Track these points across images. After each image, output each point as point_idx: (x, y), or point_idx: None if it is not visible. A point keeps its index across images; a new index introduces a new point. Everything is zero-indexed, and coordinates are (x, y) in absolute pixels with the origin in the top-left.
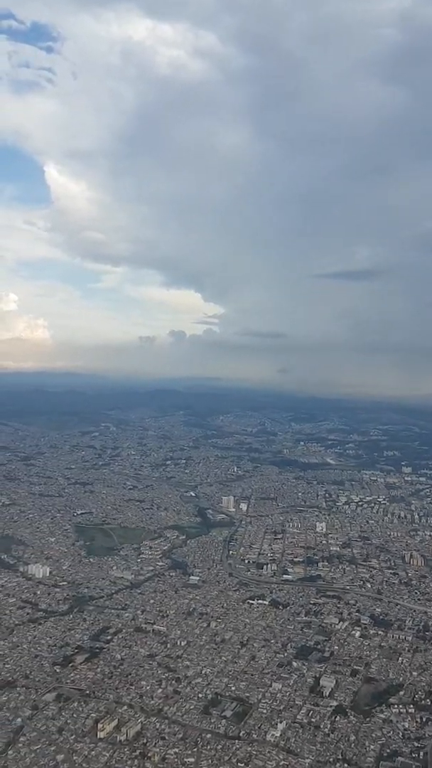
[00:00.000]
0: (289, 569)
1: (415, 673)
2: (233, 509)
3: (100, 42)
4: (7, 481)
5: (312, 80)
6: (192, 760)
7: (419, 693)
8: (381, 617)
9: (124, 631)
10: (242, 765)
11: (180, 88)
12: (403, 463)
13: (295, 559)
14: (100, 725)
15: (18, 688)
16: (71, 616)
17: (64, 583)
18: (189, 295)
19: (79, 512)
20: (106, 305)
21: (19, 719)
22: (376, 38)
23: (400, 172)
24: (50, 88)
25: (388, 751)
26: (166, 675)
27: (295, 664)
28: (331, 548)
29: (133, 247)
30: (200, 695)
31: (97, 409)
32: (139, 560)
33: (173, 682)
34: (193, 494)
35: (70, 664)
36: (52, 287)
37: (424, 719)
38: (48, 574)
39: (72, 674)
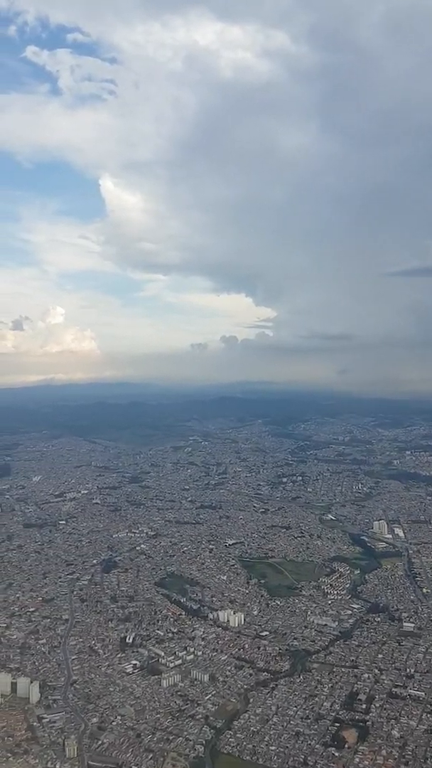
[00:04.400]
0: None
1: None
2: (389, 535)
3: (164, 49)
4: (133, 506)
5: (385, 73)
6: None
7: None
8: None
9: (377, 697)
10: None
11: (243, 90)
12: None
13: None
14: None
15: None
16: (300, 677)
17: (266, 633)
18: (239, 300)
19: (230, 542)
20: (153, 314)
21: None
22: None
23: None
24: (111, 99)
25: None
26: None
27: None
28: None
29: (184, 254)
30: None
31: (174, 422)
32: (329, 602)
33: None
34: (333, 517)
35: (346, 746)
36: (96, 298)
37: None
38: (243, 622)
39: (357, 760)
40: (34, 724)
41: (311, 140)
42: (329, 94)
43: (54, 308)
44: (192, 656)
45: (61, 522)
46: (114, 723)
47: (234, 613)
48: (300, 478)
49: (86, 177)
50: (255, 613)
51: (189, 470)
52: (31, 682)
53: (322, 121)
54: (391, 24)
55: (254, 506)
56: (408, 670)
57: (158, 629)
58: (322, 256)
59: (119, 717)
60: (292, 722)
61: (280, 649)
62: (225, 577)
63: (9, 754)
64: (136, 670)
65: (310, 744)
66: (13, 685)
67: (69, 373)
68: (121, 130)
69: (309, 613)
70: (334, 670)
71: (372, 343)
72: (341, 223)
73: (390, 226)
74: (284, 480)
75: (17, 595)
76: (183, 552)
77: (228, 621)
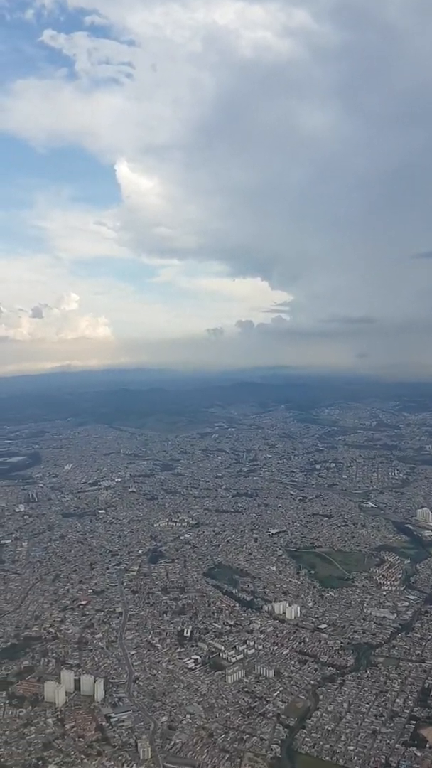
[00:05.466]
0: None
1: None
2: None
3: (183, 30)
4: (169, 495)
5: (410, 52)
6: None
7: None
8: None
9: None
10: None
11: (263, 70)
12: None
13: None
14: None
15: None
16: (367, 672)
17: (324, 626)
18: (255, 284)
19: (273, 532)
20: (167, 299)
21: None
22: None
23: None
24: (129, 83)
25: None
26: None
27: None
28: None
29: (200, 239)
30: None
31: (197, 408)
32: (384, 593)
33: None
34: (373, 505)
35: (427, 745)
36: (110, 285)
37: None
38: (299, 614)
39: None
40: (103, 723)
41: (332, 121)
42: (352, 73)
43: (68, 295)
44: (253, 650)
45: (100, 511)
46: (184, 722)
47: (289, 605)
48: (333, 464)
49: (101, 162)
50: (310, 605)
51: (219, 457)
52: (96, 679)
53: (344, 101)
54: (417, 1)
55: (291, 494)
56: None
57: (215, 622)
58: (341, 239)
59: (188, 715)
60: (366, 720)
61: (341, 642)
62: (274, 568)
63: (83, 756)
64: (198, 666)
65: (389, 743)
66: (77, 683)
67: (84, 359)
68: (138, 114)
69: (365, 604)
70: (401, 664)
71: (393, 326)
72: (362, 205)
73: (412, 208)
74: (317, 467)
75: (66, 588)
76: (228, 542)
77: (284, 613)
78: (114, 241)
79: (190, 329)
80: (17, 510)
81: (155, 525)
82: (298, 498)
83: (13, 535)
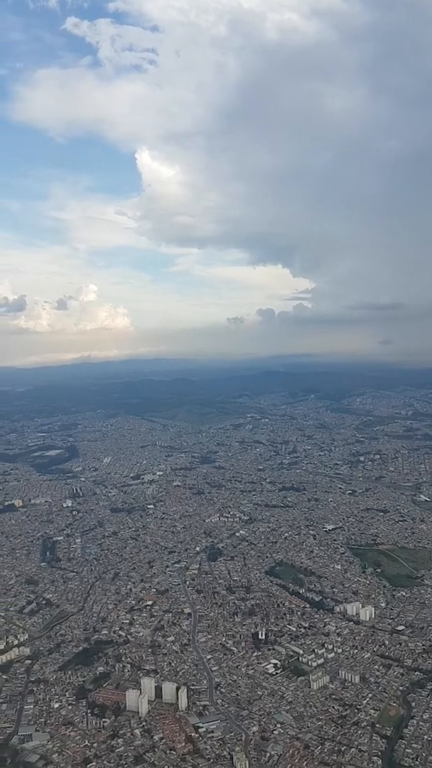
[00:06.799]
0: None
1: None
2: None
3: (208, 14)
4: (214, 488)
5: None
6: None
7: None
8: None
9: None
10: None
11: (289, 53)
12: None
13: None
14: None
15: None
16: None
17: (402, 627)
18: (275, 272)
19: (329, 527)
20: (185, 288)
21: None
22: None
23: None
24: (152, 69)
25: None
26: None
27: None
28: None
29: (221, 226)
30: None
31: (225, 398)
32: None
33: None
34: (426, 498)
35: None
36: (127, 275)
37: None
38: (374, 616)
39: None
40: (192, 734)
41: (359, 103)
42: (380, 54)
43: (87, 286)
44: (333, 654)
45: (149, 506)
46: (275, 732)
47: (363, 606)
48: (377, 456)
49: (122, 151)
50: (382, 605)
51: (257, 449)
52: (178, 687)
53: (372, 82)
54: None
55: (339, 487)
56: None
57: (288, 624)
58: (364, 224)
59: (279, 725)
60: None
61: (423, 645)
62: (339, 566)
63: None
64: (278, 671)
65: None
66: (158, 690)
67: (104, 350)
68: (161, 101)
69: None
70: None
71: (421, 311)
72: (386, 188)
73: None
74: (361, 458)
75: (128, 587)
76: (285, 538)
77: (357, 614)
78: (133, 231)
79: (210, 318)
80: (65, 505)
81: (207, 520)
82: (348, 492)
83: (65, 532)
